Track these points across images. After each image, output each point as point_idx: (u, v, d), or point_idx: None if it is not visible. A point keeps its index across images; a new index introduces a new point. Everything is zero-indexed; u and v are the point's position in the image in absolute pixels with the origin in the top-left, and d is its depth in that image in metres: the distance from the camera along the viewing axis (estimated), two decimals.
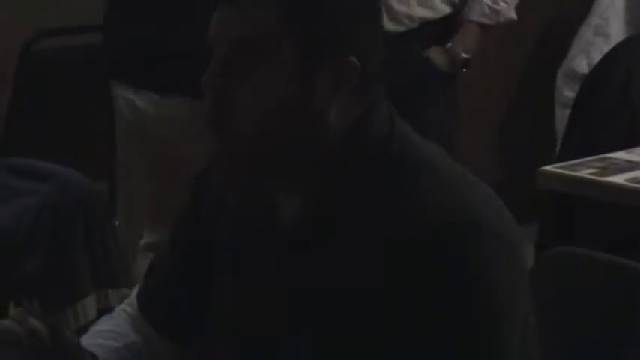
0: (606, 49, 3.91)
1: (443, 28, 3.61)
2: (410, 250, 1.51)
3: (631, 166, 3.00)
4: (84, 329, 2.08)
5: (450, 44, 3.52)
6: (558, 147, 3.92)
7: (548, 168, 3.08)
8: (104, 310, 2.61)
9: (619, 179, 2.88)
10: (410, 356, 1.53)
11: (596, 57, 3.96)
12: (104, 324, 1.86)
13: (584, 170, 2.97)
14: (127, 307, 1.87)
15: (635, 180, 2.89)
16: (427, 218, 1.52)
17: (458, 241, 1.51)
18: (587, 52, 4.22)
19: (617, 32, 4.25)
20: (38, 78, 3.92)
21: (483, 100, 5.04)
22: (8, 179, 3.04)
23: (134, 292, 1.88)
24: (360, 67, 1.52)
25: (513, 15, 3.68)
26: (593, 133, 3.51)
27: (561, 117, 4.21)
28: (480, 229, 1.51)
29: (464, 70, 3.62)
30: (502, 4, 3.62)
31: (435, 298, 1.49)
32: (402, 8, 3.52)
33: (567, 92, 4.22)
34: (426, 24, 3.50)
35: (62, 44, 4.02)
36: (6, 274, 2.84)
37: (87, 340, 1.79)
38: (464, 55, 3.53)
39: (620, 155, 3.07)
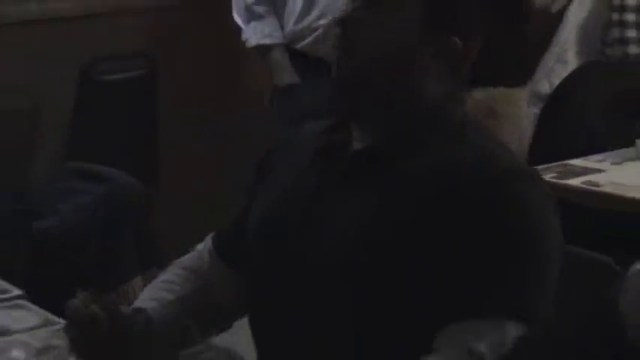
0: (565, 73, 4.22)
1: None
2: (475, 195, 1.62)
3: (585, 171, 3.23)
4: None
5: None
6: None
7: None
8: None
9: (575, 182, 3.13)
10: (461, 282, 1.61)
11: (556, 81, 4.24)
12: (161, 276, 2.00)
13: (548, 174, 3.13)
14: (186, 260, 1.99)
15: (589, 182, 3.14)
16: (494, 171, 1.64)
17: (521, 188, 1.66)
18: (549, 76, 4.39)
19: (572, 60, 4.48)
20: (95, 97, 4.20)
21: None
22: (72, 181, 3.41)
23: (199, 245, 2.01)
24: (461, 50, 1.67)
25: None
26: (555, 143, 3.81)
27: (528, 128, 4.64)
28: (537, 186, 1.70)
29: None
30: None
31: (493, 231, 1.60)
32: None
33: (533, 110, 4.44)
34: None
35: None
36: (69, 262, 3.16)
37: (145, 294, 1.96)
38: None
39: (577, 162, 3.29)
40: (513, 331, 1.62)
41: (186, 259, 2.02)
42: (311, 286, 1.75)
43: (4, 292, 2.47)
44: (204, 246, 2.02)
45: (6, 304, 2.42)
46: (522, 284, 1.68)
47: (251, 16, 3.80)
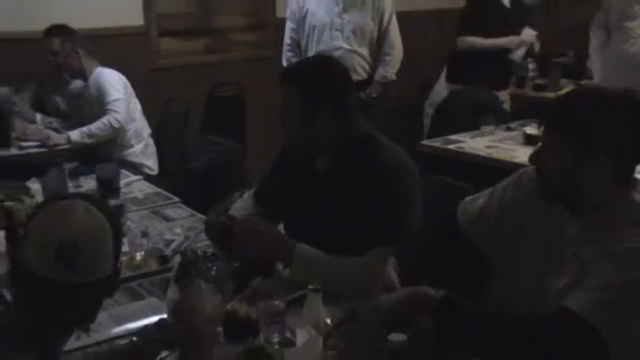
0: (445, 93, 5.12)
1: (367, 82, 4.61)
2: (378, 181, 2.08)
3: (457, 140, 4.12)
4: None
5: (368, 89, 4.64)
6: (425, 135, 5.06)
7: (424, 142, 4.25)
8: None
9: (453, 146, 4.01)
10: (374, 227, 2.05)
11: (444, 95, 5.13)
12: (242, 202, 2.48)
13: (436, 143, 4.11)
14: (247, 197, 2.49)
15: (459, 147, 4.01)
16: (386, 166, 2.10)
17: (400, 174, 2.10)
18: (439, 94, 5.34)
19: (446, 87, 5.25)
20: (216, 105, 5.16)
21: (391, 114, 5.48)
22: (206, 144, 3.93)
23: (250, 191, 2.52)
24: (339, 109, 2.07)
25: (393, 77, 4.68)
26: (442, 128, 4.50)
27: (426, 123, 5.53)
28: (408, 169, 2.15)
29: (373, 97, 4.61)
30: (389, 74, 4.66)
31: (387, 194, 2.07)
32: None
33: (429, 110, 5.53)
34: (357, 81, 4.26)
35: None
36: (205, 188, 3.54)
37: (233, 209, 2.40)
38: (374, 95, 4.66)
39: (453, 137, 4.18)
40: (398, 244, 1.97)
41: (245, 197, 2.54)
42: (318, 226, 2.17)
43: (170, 198, 3.21)
44: (250, 193, 2.52)
45: (171, 204, 3.13)
46: (405, 222, 2.10)
47: (288, 62, 4.61)
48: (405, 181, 2.12)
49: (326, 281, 1.99)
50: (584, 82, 5.48)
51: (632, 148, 1.67)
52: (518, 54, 5.01)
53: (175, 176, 4.07)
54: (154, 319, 1.85)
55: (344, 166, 2.15)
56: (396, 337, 1.59)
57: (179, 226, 2.77)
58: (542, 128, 1.71)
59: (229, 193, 3.42)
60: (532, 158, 1.74)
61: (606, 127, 1.63)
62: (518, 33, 4.91)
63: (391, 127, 5.40)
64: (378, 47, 4.65)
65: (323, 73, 2.14)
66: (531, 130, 4.02)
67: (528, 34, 4.92)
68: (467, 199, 2.01)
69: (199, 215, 2.86)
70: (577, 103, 1.67)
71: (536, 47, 5.11)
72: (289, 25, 4.66)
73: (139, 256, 2.42)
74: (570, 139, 1.64)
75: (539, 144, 1.71)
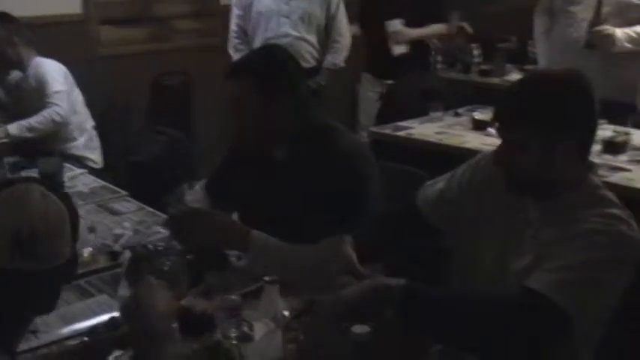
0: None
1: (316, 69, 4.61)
2: (336, 168, 2.10)
3: (407, 127, 4.14)
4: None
5: (316, 77, 4.61)
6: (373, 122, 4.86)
7: (373, 129, 4.25)
8: None
9: (403, 133, 4.03)
10: (336, 209, 2.06)
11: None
12: (193, 195, 2.36)
13: (387, 130, 4.12)
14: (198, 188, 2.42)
15: (408, 134, 4.03)
16: (344, 153, 2.12)
17: (358, 161, 2.13)
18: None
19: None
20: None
21: (339, 103, 5.50)
22: (150, 134, 3.94)
23: (200, 183, 2.47)
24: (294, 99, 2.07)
25: (342, 64, 4.71)
26: (390, 114, 4.49)
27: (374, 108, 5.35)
28: (365, 155, 2.19)
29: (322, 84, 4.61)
30: (338, 61, 4.67)
31: (346, 180, 2.08)
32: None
33: (375, 97, 5.30)
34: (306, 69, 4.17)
35: None
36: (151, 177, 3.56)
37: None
38: (322, 83, 4.65)
39: (402, 123, 4.19)
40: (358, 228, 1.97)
41: (197, 189, 2.46)
42: (275, 215, 2.15)
43: (116, 191, 3.15)
44: (201, 185, 2.48)
45: (118, 198, 3.08)
46: (364, 208, 2.10)
47: (235, 49, 4.61)
48: (363, 168, 2.13)
49: (283, 269, 1.97)
50: (529, 67, 5.55)
51: (589, 128, 1.70)
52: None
53: (121, 169, 4.04)
54: (105, 317, 1.82)
55: (301, 155, 2.15)
56: (359, 328, 1.56)
57: (128, 220, 2.74)
58: (498, 126, 1.72)
59: (178, 184, 3.51)
60: (497, 160, 1.76)
61: (566, 113, 1.65)
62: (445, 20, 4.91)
63: (340, 115, 5.27)
64: (326, 34, 4.65)
65: (274, 63, 2.13)
66: (479, 115, 4.06)
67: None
68: (426, 184, 2.02)
69: (148, 209, 2.85)
70: (531, 95, 1.67)
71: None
72: (235, 12, 4.62)
73: (86, 252, 2.35)
74: (534, 136, 1.65)
75: (501, 144, 1.71)
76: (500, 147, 1.73)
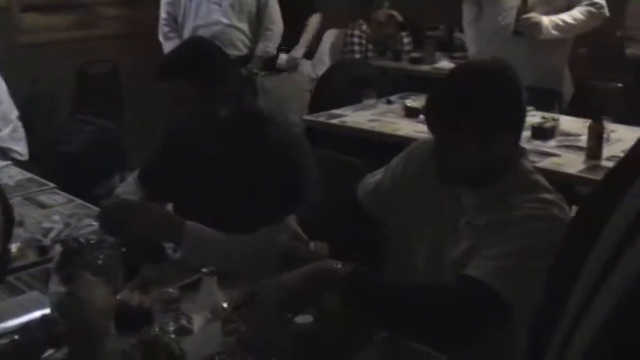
0: (324, 68, 5.37)
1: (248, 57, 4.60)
2: (272, 157, 2.08)
3: (340, 115, 4.16)
4: None
5: (249, 65, 4.58)
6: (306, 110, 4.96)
7: (307, 117, 4.33)
8: None
9: (336, 121, 4.07)
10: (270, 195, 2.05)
11: (320, 72, 5.30)
12: (125, 187, 2.43)
13: (321, 118, 4.16)
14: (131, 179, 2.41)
15: (342, 121, 4.04)
16: (279, 142, 2.10)
17: (293, 148, 2.13)
18: (315, 69, 5.52)
19: (327, 61, 5.61)
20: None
21: None
22: (78, 124, 3.85)
23: (133, 174, 2.43)
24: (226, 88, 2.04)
25: (274, 52, 4.73)
26: (324, 102, 4.57)
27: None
28: (300, 142, 2.19)
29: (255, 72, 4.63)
30: (270, 49, 4.67)
31: (281, 169, 2.06)
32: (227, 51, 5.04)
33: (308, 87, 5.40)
34: (238, 57, 4.40)
35: None
36: (80, 168, 3.53)
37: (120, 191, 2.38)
38: (254, 71, 4.65)
39: (336, 111, 4.23)
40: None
41: (130, 180, 2.47)
42: (211, 206, 2.12)
43: (44, 184, 3.03)
44: (134, 176, 2.45)
45: (46, 190, 2.97)
46: (302, 196, 2.11)
47: (165, 37, 4.58)
48: (298, 156, 2.13)
49: (220, 259, 1.96)
50: (458, 54, 5.67)
51: (519, 117, 1.72)
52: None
53: (47, 160, 3.88)
54: (37, 314, 1.73)
55: (236, 145, 2.14)
56: (302, 319, 1.53)
57: (57, 213, 2.65)
58: (431, 125, 1.72)
59: (108, 176, 3.62)
60: (435, 157, 1.76)
61: (496, 107, 1.66)
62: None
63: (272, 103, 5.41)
64: (257, 22, 4.63)
65: (202, 56, 2.11)
66: (411, 102, 4.09)
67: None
68: (367, 176, 2.04)
69: (78, 201, 2.79)
70: (460, 95, 1.67)
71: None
72: None
73: (14, 247, 2.26)
74: (467, 134, 1.66)
75: (435, 140, 1.71)
76: (434, 144, 1.74)
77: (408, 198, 1.89)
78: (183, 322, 1.80)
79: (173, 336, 1.72)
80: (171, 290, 1.83)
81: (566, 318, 0.76)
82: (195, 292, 1.87)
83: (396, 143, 2.02)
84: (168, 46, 4.51)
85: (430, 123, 1.73)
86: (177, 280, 1.96)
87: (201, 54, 2.13)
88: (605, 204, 0.78)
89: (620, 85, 4.42)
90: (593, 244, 0.76)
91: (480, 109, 1.64)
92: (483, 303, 1.54)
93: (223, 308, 1.81)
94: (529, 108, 3.88)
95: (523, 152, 1.78)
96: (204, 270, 1.86)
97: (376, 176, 2.01)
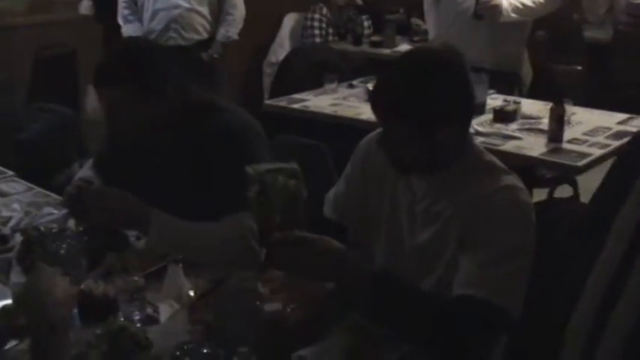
0: (284, 52, 5.44)
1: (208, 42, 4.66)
2: (223, 145, 2.06)
3: (301, 100, 4.17)
4: None
5: (209, 50, 4.59)
6: (267, 95, 5.19)
7: (268, 102, 4.35)
8: None
9: (297, 106, 4.06)
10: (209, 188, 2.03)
11: (280, 56, 5.40)
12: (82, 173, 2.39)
13: (282, 102, 4.17)
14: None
15: (304, 106, 4.09)
16: (230, 129, 2.07)
17: (245, 135, 2.09)
18: (275, 54, 5.60)
19: (287, 45, 5.69)
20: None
21: (233, 74, 5.41)
22: (36, 112, 3.70)
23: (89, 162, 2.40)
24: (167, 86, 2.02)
25: (236, 37, 4.66)
26: (285, 86, 4.59)
27: (266, 81, 5.68)
28: (253, 129, 2.14)
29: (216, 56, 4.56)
30: (232, 33, 4.64)
31: (233, 158, 1.98)
32: (187, 35, 4.53)
33: (268, 70, 5.68)
34: (199, 41, 4.51)
35: None
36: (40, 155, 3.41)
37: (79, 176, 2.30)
38: (215, 55, 4.59)
39: (297, 95, 4.24)
40: None
41: (87, 167, 2.45)
42: (167, 198, 2.09)
43: (2, 172, 2.99)
44: (89, 164, 2.44)
45: (5, 178, 2.92)
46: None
47: (125, 20, 4.53)
48: (252, 142, 2.10)
49: (186, 248, 1.95)
50: (418, 38, 5.72)
51: (467, 106, 1.72)
52: None
53: (6, 148, 3.70)
54: None
55: (187, 136, 2.11)
56: (272, 306, 1.51)
57: (16, 202, 2.60)
58: (375, 112, 1.71)
59: (69, 163, 3.47)
60: (381, 144, 1.75)
61: (441, 100, 1.64)
62: None
63: (234, 89, 5.40)
64: (218, 6, 4.59)
65: (137, 62, 2.05)
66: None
67: None
68: (329, 193, 2.03)
69: (38, 189, 2.74)
70: (403, 88, 1.65)
71: None
72: None
73: None
74: (412, 127, 1.65)
75: (382, 131, 1.71)
76: (381, 135, 1.74)
77: (360, 193, 1.89)
78: (149, 311, 1.78)
79: (139, 325, 1.70)
80: (136, 279, 1.80)
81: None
82: (161, 280, 1.85)
83: (357, 128, 1.99)
84: (127, 30, 4.48)
85: (374, 111, 1.72)
86: (141, 269, 1.93)
87: (133, 59, 2.07)
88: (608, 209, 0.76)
89: (579, 68, 4.50)
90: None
91: (422, 99, 1.63)
92: (492, 323, 1.58)
93: (189, 296, 1.79)
94: (490, 91, 4.01)
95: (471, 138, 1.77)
96: (169, 258, 1.84)
97: (338, 187, 2.02)
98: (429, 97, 1.62)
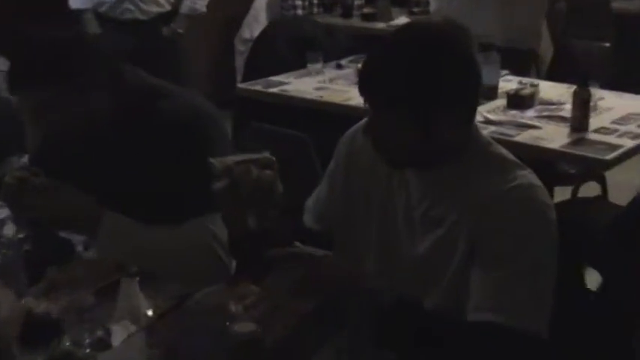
0: (260, 27, 5.44)
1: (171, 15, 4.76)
2: (168, 137, 2.07)
3: (280, 83, 4.25)
4: None
5: (172, 24, 4.76)
6: (240, 78, 5.22)
7: (241, 85, 4.42)
8: None
9: (275, 90, 4.17)
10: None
11: (255, 32, 5.43)
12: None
13: (256, 86, 4.23)
14: None
15: (282, 90, 4.15)
16: (176, 119, 2.08)
17: (195, 124, 2.09)
18: (250, 28, 5.72)
19: (263, 19, 5.80)
20: None
21: (200, 52, 5.75)
22: None
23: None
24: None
25: (203, 10, 4.84)
26: (259, 67, 4.64)
27: (239, 61, 5.80)
28: (209, 117, 2.13)
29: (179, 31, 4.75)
30: (199, 5, 4.83)
31: (181, 151, 2.03)
32: (146, 7, 4.63)
33: (241, 48, 5.84)
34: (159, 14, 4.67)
35: None
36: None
37: None
38: (179, 31, 4.79)
39: (275, 78, 4.32)
40: None
41: (23, 161, 2.44)
42: (120, 193, 2.11)
43: None
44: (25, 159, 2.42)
45: None
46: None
47: None
48: (205, 131, 2.10)
49: (143, 256, 1.96)
50: (418, 9, 5.87)
51: (472, 88, 1.71)
52: None
53: None
54: None
55: (130, 128, 2.11)
56: (245, 326, 1.53)
57: None
58: (363, 95, 1.71)
59: (6, 157, 3.15)
60: (367, 133, 1.77)
61: (441, 82, 1.65)
62: None
63: (200, 70, 5.54)
64: None
65: (53, 59, 2.01)
66: None
67: None
68: (308, 200, 2.05)
69: None
70: (398, 68, 1.66)
71: None
72: None
73: None
74: (409, 112, 1.65)
75: (371, 120, 1.71)
76: (370, 122, 1.75)
77: (346, 196, 1.92)
78: (100, 333, 1.75)
79: (88, 351, 1.69)
80: (84, 296, 1.82)
81: None
82: (114, 297, 1.84)
83: (347, 116, 1.99)
84: (75, 2, 4.59)
85: (361, 93, 1.73)
86: (91, 284, 1.93)
87: (49, 56, 2.02)
88: None
89: (606, 44, 4.50)
90: None
91: (419, 81, 1.64)
92: (519, 351, 1.61)
93: (147, 316, 1.80)
94: (503, 72, 4.04)
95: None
96: (123, 270, 1.85)
97: (318, 194, 2.04)
98: (427, 80, 1.62)
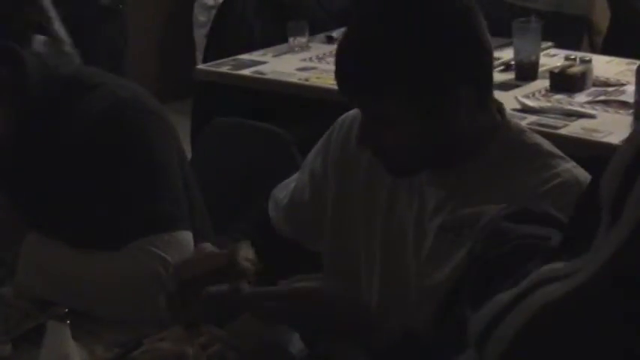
0: None
1: None
2: (84, 136, 2.13)
3: (253, 63, 4.28)
4: None
5: None
6: (200, 56, 5.26)
7: (201, 66, 4.46)
8: None
9: (247, 72, 4.20)
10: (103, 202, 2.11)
11: None
12: None
13: (224, 67, 4.26)
14: None
15: (257, 72, 4.18)
16: (99, 117, 2.12)
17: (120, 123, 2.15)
18: None
19: None
20: None
21: (148, 23, 5.87)
22: None
23: None
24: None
25: None
26: (223, 42, 4.73)
27: (199, 34, 5.86)
28: (137, 105, 2.19)
29: (120, 5, 4.69)
30: None
31: (104, 156, 2.09)
32: None
33: (201, 18, 5.87)
34: None
35: None
36: None
37: None
38: (121, 5, 4.66)
39: (246, 56, 4.35)
40: None
41: None
42: (34, 203, 2.20)
43: None
44: None
45: None
46: (158, 194, 2.20)
47: None
48: (137, 132, 2.17)
49: (73, 290, 2.02)
50: None
51: (479, 59, 1.75)
52: None
53: None
54: None
55: (51, 129, 2.16)
56: None
57: None
58: (342, 89, 1.74)
59: None
60: (362, 140, 1.79)
61: (438, 56, 1.69)
62: None
63: (148, 47, 5.72)
64: None
65: None
66: None
67: None
68: (277, 187, 2.12)
69: None
70: (381, 46, 1.69)
71: None
72: None
73: None
74: (400, 101, 1.69)
75: (364, 125, 1.74)
76: (363, 128, 1.78)
77: (335, 198, 1.97)
78: None
79: None
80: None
81: None
82: (37, 345, 1.84)
83: (339, 103, 2.00)
84: None
85: (339, 85, 1.77)
86: (8, 328, 1.97)
87: None
88: None
89: None
90: None
91: (412, 63, 1.67)
92: None
93: None
94: (545, 45, 4.04)
95: (499, 106, 1.82)
96: (49, 311, 1.87)
97: (290, 185, 2.08)
98: (420, 49, 1.65)
